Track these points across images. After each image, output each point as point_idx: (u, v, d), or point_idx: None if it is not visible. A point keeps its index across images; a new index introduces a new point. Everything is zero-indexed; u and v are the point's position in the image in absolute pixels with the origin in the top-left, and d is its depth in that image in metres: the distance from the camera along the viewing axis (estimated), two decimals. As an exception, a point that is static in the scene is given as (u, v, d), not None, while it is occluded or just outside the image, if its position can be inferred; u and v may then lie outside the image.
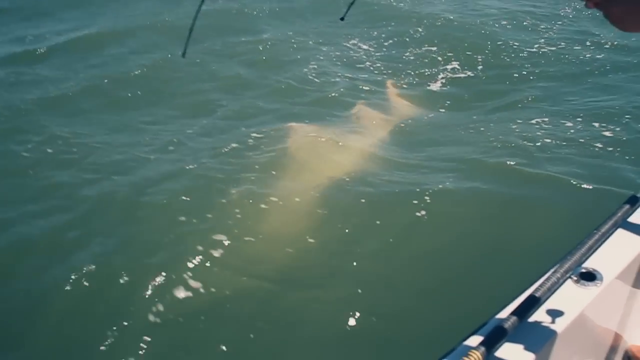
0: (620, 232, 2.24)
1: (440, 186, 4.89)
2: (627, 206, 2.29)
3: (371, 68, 7.56)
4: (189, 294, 3.87)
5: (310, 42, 8.27)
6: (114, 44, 8.09)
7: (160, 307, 3.75)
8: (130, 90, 6.84)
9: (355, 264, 4.12)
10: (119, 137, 5.90)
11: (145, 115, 6.35)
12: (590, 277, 2.05)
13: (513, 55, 7.79)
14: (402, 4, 9.79)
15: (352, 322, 3.66)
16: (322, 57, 7.80)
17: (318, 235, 4.38)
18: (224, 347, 3.51)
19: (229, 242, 4.27)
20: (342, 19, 2.36)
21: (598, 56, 7.69)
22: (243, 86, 6.96)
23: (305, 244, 4.30)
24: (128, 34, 8.34)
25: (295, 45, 8.14)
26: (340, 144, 5.56)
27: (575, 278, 2.03)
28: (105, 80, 7.01)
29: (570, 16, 9.24)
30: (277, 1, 9.68)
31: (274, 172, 5.10)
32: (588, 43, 8.14)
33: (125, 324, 3.64)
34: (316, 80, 7.13)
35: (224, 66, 7.47)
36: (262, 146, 5.54)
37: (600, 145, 5.61)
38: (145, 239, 4.39)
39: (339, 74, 7.31)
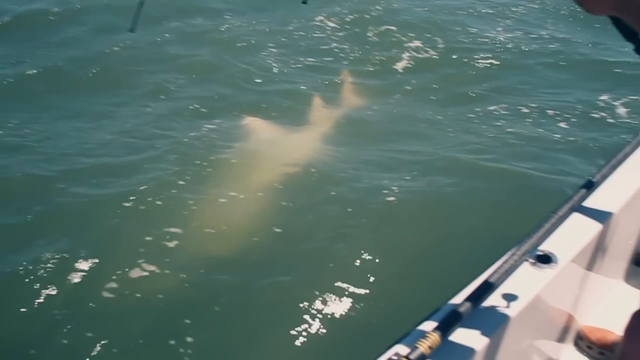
0: (576, 216, 2.27)
1: (400, 179, 4.91)
2: (583, 190, 2.33)
3: (331, 55, 7.47)
4: (145, 285, 3.79)
5: (270, 25, 8.14)
6: (68, 21, 7.82)
7: (114, 300, 3.67)
8: (84, 71, 6.62)
9: (313, 254, 4.10)
10: (71, 121, 5.71)
11: (99, 99, 6.16)
12: (546, 259, 2.07)
13: (472, 43, 7.82)
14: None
15: (310, 307, 3.66)
16: (282, 41, 7.69)
17: (274, 227, 4.34)
18: (183, 340, 3.45)
19: (185, 234, 4.22)
20: (304, 2, 2.32)
21: (553, 47, 7.77)
22: (202, 71, 6.80)
23: (261, 236, 4.25)
24: (83, 11, 8.08)
25: (255, 28, 8.01)
26: (296, 139, 5.53)
27: (531, 260, 2.05)
28: (58, 61, 6.77)
29: (530, 6, 9.33)
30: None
31: (230, 166, 5.03)
32: (544, 33, 8.25)
33: (80, 316, 3.55)
34: (275, 66, 7.03)
35: (183, 48, 7.30)
36: (220, 140, 5.45)
37: (558, 136, 5.71)
38: (97, 229, 4.29)
39: (299, 61, 7.22)
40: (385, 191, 4.73)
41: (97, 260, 3.93)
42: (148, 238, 4.13)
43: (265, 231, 4.29)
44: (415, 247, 4.22)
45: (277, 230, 4.31)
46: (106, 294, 3.70)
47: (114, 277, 3.80)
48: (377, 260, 4.06)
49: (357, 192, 4.73)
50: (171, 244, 4.11)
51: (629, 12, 1.50)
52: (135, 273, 3.84)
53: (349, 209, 4.54)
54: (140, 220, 4.35)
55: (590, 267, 2.35)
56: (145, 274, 3.84)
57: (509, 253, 2.00)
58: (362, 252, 4.10)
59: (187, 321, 3.55)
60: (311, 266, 4.00)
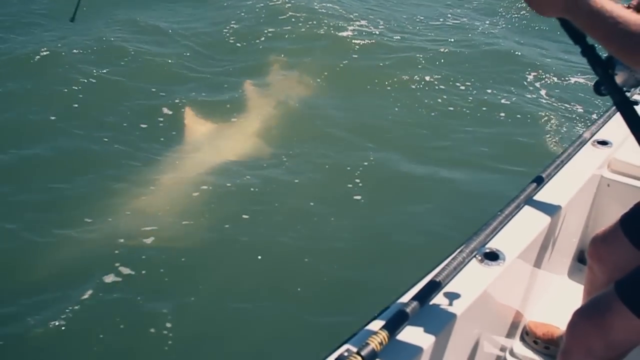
0: (527, 210, 2.31)
1: (345, 179, 4.88)
2: (533, 185, 2.37)
3: (272, 38, 7.41)
4: (76, 279, 3.74)
5: (210, 8, 8.09)
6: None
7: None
8: (22, 59, 6.36)
9: (257, 256, 4.08)
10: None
11: (35, 87, 5.94)
12: (493, 256, 2.08)
13: (414, 30, 7.87)
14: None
15: (245, 301, 3.67)
16: (223, 25, 7.62)
17: (206, 215, 4.32)
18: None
19: (118, 224, 4.17)
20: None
21: (496, 45, 7.85)
22: (143, 62, 6.63)
23: (192, 226, 4.23)
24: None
25: (197, 14, 7.91)
26: (228, 128, 5.53)
27: (479, 258, 2.07)
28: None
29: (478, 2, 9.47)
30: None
31: (166, 155, 5.00)
32: (486, 30, 8.36)
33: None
34: (218, 51, 6.99)
35: (124, 39, 7.07)
36: (157, 129, 5.40)
37: (503, 132, 5.80)
38: (22, 220, 4.18)
39: (240, 47, 7.18)
40: (330, 190, 4.73)
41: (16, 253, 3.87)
42: (74, 228, 4.08)
43: (207, 235, 4.22)
44: (364, 248, 4.21)
45: (198, 221, 4.28)
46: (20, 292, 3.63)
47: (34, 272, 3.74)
48: (325, 260, 4.04)
49: (299, 191, 4.71)
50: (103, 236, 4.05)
51: (578, 15, 1.52)
52: (62, 266, 3.80)
53: (294, 208, 4.53)
54: (70, 208, 4.28)
55: (536, 264, 2.39)
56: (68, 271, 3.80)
57: (458, 250, 2.02)
58: (309, 253, 4.08)
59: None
60: (254, 269, 3.98)
